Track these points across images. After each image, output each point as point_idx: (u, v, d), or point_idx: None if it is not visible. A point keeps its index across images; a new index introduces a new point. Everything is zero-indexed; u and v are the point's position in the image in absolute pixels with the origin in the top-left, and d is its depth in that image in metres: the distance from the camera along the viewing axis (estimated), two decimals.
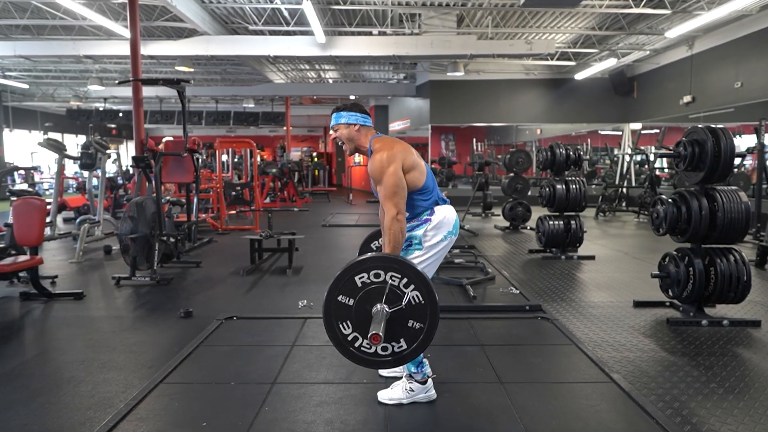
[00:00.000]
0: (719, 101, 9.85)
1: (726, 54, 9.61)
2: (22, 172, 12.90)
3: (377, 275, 2.02)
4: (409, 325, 2.07)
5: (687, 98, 10.64)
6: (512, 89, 14.09)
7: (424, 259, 2.49)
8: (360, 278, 2.03)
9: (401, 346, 2.10)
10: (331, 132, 2.58)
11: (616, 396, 2.59)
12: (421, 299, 2.03)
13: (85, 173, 8.57)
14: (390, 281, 2.02)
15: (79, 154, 7.30)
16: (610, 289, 4.82)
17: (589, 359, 3.04)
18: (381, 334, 1.94)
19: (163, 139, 8.75)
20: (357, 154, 2.59)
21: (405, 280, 2.02)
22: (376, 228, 3.07)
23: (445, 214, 2.51)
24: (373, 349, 2.10)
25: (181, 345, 3.30)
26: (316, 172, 21.06)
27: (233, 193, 11.63)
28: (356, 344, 2.12)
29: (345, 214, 11.67)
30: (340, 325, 2.09)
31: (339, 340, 2.11)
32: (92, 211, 7.71)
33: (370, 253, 2.15)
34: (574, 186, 6.21)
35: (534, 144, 17.55)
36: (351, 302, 2.03)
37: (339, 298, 2.05)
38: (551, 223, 6.26)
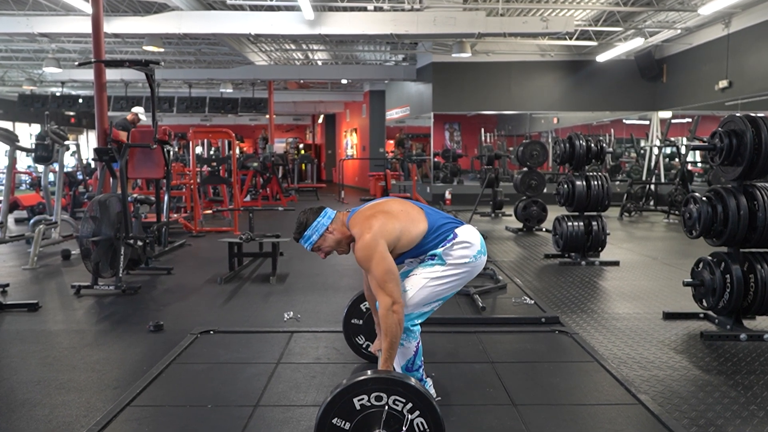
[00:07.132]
0: (759, 86, 9.90)
1: (767, 33, 9.66)
2: None
3: (379, 398, 2.03)
4: None
5: (723, 83, 10.69)
6: (526, 73, 14.12)
7: (445, 276, 2.50)
8: (359, 400, 2.03)
9: None
10: (319, 254, 2.58)
11: (644, 419, 2.61)
12: (425, 427, 2.03)
13: (40, 167, 8.55)
14: (392, 405, 2.02)
15: (34, 146, 7.28)
16: (636, 298, 4.84)
17: (614, 378, 3.05)
18: None
19: (133, 109, 8.70)
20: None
21: (410, 405, 2.03)
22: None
23: (471, 233, 2.56)
24: None
25: (150, 363, 3.29)
26: (303, 167, 21.07)
27: (209, 169, 11.64)
28: None
29: None
30: None
31: None
32: (48, 210, 7.68)
33: (371, 372, 2.11)
34: (595, 182, 6.23)
35: (550, 135, 17.59)
36: (347, 426, 2.03)
37: (334, 421, 2.03)
38: (570, 224, 6.29)
